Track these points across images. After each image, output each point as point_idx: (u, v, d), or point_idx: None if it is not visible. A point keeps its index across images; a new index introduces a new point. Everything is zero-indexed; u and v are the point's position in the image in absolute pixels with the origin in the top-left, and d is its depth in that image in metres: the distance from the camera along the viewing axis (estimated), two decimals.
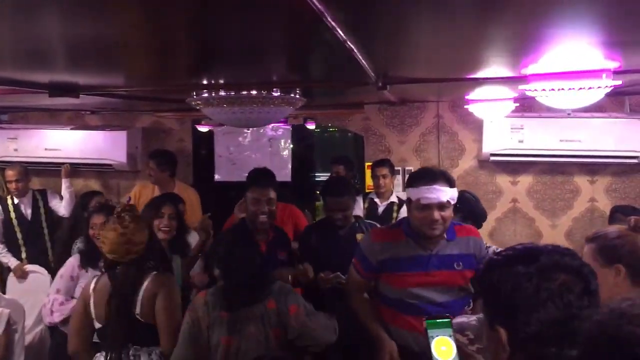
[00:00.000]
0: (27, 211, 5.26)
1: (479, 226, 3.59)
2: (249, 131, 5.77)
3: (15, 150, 5.54)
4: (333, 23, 1.36)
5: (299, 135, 5.69)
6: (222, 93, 3.12)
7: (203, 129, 6.37)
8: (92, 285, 2.94)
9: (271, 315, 2.70)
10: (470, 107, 4.58)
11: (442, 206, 2.58)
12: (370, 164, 5.34)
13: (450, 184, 2.63)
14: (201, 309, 2.77)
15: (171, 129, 5.85)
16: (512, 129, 5.06)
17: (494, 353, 1.48)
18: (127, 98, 3.74)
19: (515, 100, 4.34)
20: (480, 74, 2.76)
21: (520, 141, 5.08)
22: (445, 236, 2.71)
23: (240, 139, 5.77)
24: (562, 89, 2.36)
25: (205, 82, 3.11)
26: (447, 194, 2.59)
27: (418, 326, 2.55)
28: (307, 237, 3.72)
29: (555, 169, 5.32)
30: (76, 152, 5.55)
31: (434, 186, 2.57)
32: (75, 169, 5.72)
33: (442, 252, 2.72)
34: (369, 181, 5.48)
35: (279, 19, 1.49)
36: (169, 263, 3.14)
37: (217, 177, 5.76)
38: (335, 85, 3.18)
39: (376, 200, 5.11)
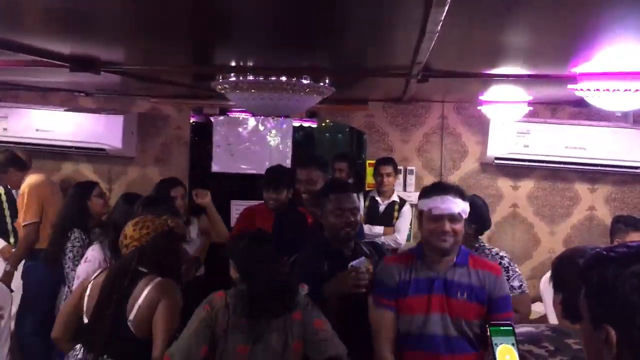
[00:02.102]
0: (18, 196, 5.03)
1: (481, 233, 3.46)
2: (248, 122, 5.63)
3: (5, 129, 5.28)
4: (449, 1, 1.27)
5: (299, 129, 5.58)
6: (250, 78, 3.01)
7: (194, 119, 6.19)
8: (93, 277, 2.74)
9: (295, 327, 2.55)
10: (483, 108, 4.56)
11: (453, 218, 2.49)
12: (372, 162, 5.26)
13: (463, 196, 2.54)
14: (220, 311, 2.57)
15: (168, 116, 5.66)
16: (518, 133, 5.05)
17: (596, 353, 1.40)
18: (145, 79, 3.57)
19: (529, 103, 4.34)
20: (523, 71, 2.72)
21: (526, 146, 5.07)
22: (455, 260, 2.55)
23: (240, 129, 5.62)
24: (617, 90, 2.32)
25: (233, 64, 2.99)
26: (459, 205, 2.50)
27: None
28: (319, 264, 2.90)
29: (557, 176, 5.33)
30: (69, 134, 5.31)
31: (446, 197, 2.49)
32: (66, 152, 5.51)
33: (448, 276, 2.53)
34: (369, 179, 5.41)
35: None
36: (175, 269, 2.79)
37: (214, 167, 5.60)
38: (372, 75, 3.09)
39: (377, 198, 5.05)
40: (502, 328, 1.67)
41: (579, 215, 5.35)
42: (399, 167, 5.21)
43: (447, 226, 2.48)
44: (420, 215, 2.59)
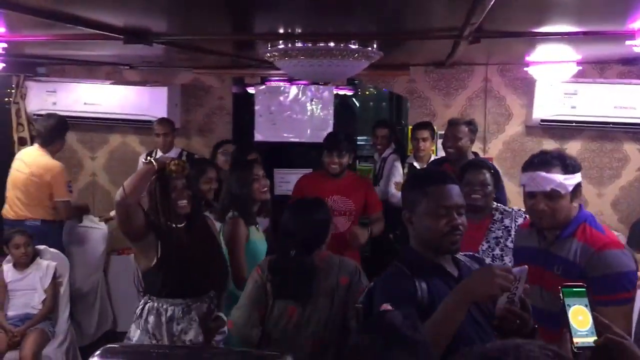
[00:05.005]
0: None
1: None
2: (290, 91, 5.64)
3: (54, 104, 5.40)
4: None
5: (340, 96, 5.56)
6: (298, 44, 3.02)
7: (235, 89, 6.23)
8: None
9: (342, 291, 2.60)
10: (530, 69, 4.48)
11: (547, 195, 2.24)
12: None
13: (563, 169, 2.25)
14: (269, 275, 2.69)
15: (211, 87, 5.72)
16: (565, 94, 4.94)
17: None
18: (192, 49, 3.61)
19: (577, 63, 4.25)
20: (576, 28, 2.66)
21: (573, 107, 4.97)
22: (561, 232, 2.31)
23: (282, 98, 5.63)
24: None
25: (282, 31, 3.00)
26: (554, 181, 2.23)
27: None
28: (409, 286, 1.99)
29: (605, 137, 5.22)
30: (115, 107, 5.42)
31: (537, 173, 2.25)
32: (114, 125, 5.64)
33: (551, 248, 2.35)
34: (411, 146, 5.38)
35: None
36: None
37: (257, 137, 5.65)
38: (422, 38, 3.06)
39: (415, 164, 5.02)
40: (575, 289, 1.63)
41: (628, 177, 5.24)
42: (440, 132, 5.17)
43: (541, 205, 2.27)
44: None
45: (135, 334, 2.88)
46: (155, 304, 2.89)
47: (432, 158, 5.04)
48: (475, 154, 4.39)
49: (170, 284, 2.87)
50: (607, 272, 2.16)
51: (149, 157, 3.04)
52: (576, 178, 2.27)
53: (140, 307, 2.93)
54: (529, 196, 2.31)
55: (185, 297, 2.90)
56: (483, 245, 3.15)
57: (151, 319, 2.85)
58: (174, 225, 2.91)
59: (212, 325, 2.94)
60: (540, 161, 2.29)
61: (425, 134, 4.95)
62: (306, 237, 2.65)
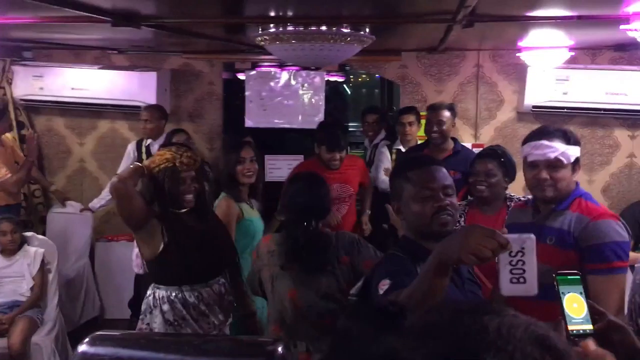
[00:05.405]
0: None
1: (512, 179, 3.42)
2: (280, 77, 5.60)
3: (41, 89, 5.31)
4: None
5: (331, 82, 5.52)
6: (290, 28, 2.98)
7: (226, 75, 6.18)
8: None
9: (345, 270, 2.56)
10: (522, 55, 4.46)
11: (550, 165, 2.24)
12: None
13: (566, 140, 2.26)
14: (265, 257, 2.67)
15: (201, 72, 5.64)
16: (557, 80, 4.93)
17: None
18: (182, 33, 3.55)
19: (569, 49, 4.24)
20: (572, 12, 2.63)
21: (565, 93, 4.96)
22: (554, 206, 2.32)
23: (272, 84, 5.59)
24: None
25: (273, 14, 2.95)
26: (557, 150, 2.22)
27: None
28: (411, 266, 1.88)
29: (596, 123, 5.22)
30: (104, 92, 5.33)
31: (541, 142, 2.24)
32: (102, 110, 5.56)
33: (546, 222, 2.34)
34: None
35: None
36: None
37: (247, 122, 5.60)
38: (414, 22, 3.03)
39: (402, 149, 5.01)
40: (569, 277, 1.61)
41: (618, 163, 5.26)
42: None
43: (544, 174, 2.26)
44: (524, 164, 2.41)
45: (158, 326, 2.80)
46: (164, 293, 2.83)
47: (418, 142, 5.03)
48: (454, 139, 4.39)
49: (178, 271, 2.83)
50: (600, 241, 2.19)
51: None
52: (577, 150, 2.29)
53: (150, 297, 2.86)
54: (531, 167, 2.30)
55: (194, 283, 2.85)
56: None
57: (166, 307, 2.80)
58: (177, 211, 2.88)
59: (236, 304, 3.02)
60: (542, 132, 2.33)
61: (411, 118, 4.94)
62: (317, 208, 2.66)
